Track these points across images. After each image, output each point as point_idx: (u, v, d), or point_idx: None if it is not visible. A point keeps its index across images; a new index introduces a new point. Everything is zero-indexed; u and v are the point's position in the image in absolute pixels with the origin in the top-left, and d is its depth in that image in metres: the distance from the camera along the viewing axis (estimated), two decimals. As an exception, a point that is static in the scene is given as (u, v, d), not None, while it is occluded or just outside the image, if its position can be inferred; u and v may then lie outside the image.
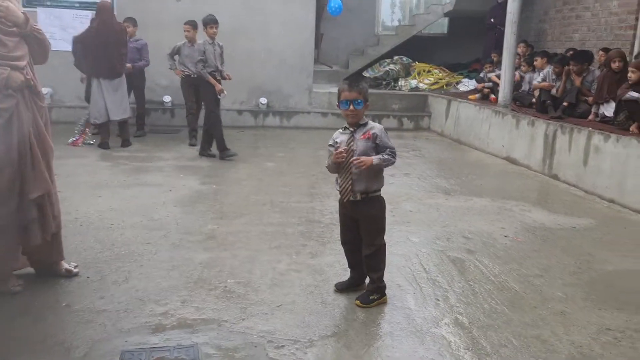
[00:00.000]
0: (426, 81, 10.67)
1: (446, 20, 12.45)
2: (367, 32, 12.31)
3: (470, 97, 8.98)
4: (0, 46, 2.92)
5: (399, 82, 10.54)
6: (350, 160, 3.00)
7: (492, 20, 9.52)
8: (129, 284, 3.30)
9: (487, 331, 2.95)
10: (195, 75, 7.16)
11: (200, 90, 7.15)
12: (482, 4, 9.93)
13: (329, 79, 11.17)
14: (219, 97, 6.79)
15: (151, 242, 3.99)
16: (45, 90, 8.86)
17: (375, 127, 3.09)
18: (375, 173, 3.09)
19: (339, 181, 3.15)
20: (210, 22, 6.75)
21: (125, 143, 7.40)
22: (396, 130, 9.63)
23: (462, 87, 10.41)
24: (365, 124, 3.08)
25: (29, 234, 3.07)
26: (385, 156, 3.02)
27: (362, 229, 3.16)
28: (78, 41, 7.18)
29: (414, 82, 10.54)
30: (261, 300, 3.17)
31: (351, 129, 3.10)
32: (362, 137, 3.06)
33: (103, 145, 7.20)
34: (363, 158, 2.97)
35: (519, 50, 8.73)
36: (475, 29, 10.58)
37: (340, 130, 3.18)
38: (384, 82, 10.54)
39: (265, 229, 4.36)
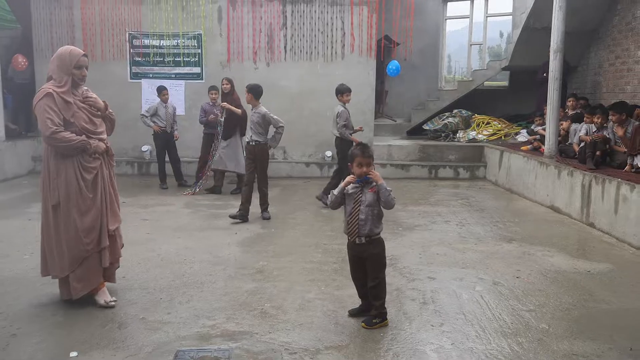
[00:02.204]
0: (485, 132, 11.20)
1: (507, 73, 12.98)
2: (431, 87, 13.15)
3: (522, 147, 9.44)
4: (92, 125, 4.17)
5: (458, 134, 11.16)
6: (370, 174, 3.85)
7: (544, 75, 9.97)
8: (190, 304, 4.29)
9: (464, 351, 3.59)
10: (253, 143, 6.95)
11: (258, 161, 7.03)
12: (535, 59, 10.43)
13: (392, 131, 12.07)
14: None
15: (212, 274, 5.01)
16: (145, 148, 10.61)
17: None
18: (377, 217, 3.90)
19: (347, 225, 3.98)
20: (346, 90, 7.48)
21: (237, 191, 8.67)
22: (452, 179, 10.25)
23: (520, 138, 10.82)
24: (372, 182, 3.90)
25: (102, 258, 4.19)
26: (388, 191, 3.85)
27: (368, 265, 3.95)
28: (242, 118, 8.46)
29: (472, 134, 11.11)
30: (287, 319, 4.03)
31: (361, 185, 3.96)
32: (369, 190, 3.91)
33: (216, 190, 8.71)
34: (375, 173, 3.86)
35: (569, 103, 9.16)
36: (536, 82, 11.03)
37: (352, 185, 4.02)
38: (443, 134, 11.20)
39: (305, 266, 5.24)
